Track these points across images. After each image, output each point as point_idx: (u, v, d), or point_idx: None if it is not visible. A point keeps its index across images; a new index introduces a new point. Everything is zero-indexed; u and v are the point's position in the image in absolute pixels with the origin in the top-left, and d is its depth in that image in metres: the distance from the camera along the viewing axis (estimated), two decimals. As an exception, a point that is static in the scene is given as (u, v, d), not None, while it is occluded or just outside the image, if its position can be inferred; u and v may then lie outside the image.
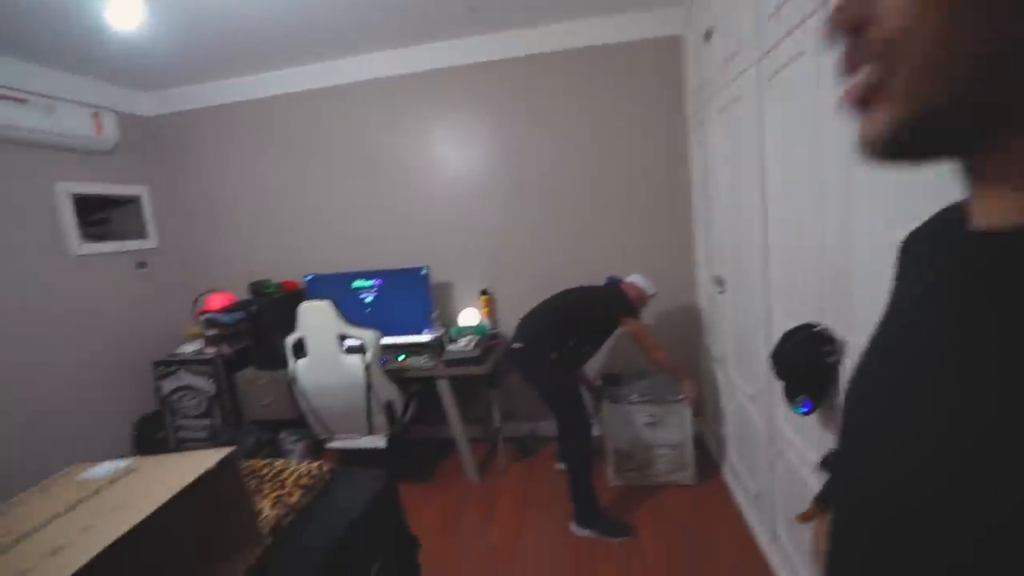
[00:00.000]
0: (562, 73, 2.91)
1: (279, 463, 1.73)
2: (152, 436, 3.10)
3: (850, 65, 0.30)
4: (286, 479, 1.61)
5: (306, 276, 3.10)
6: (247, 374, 2.94)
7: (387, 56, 3.00)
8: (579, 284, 2.58)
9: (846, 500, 0.37)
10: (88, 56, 2.64)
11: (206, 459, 1.14)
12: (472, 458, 2.79)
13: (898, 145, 0.29)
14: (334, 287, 2.95)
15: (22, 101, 2.57)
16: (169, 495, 1.03)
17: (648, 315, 2.59)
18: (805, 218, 1.39)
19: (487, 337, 2.88)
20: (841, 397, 1.21)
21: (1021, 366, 0.24)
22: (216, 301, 3.13)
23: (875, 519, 0.31)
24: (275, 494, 1.52)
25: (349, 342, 2.50)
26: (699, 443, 2.61)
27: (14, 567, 0.86)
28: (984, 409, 0.25)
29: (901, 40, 0.26)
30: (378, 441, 2.63)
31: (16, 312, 2.56)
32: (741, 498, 2.29)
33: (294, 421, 2.86)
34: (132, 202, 3.27)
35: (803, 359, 1.31)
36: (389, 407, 2.57)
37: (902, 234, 0.44)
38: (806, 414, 1.34)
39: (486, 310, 3.08)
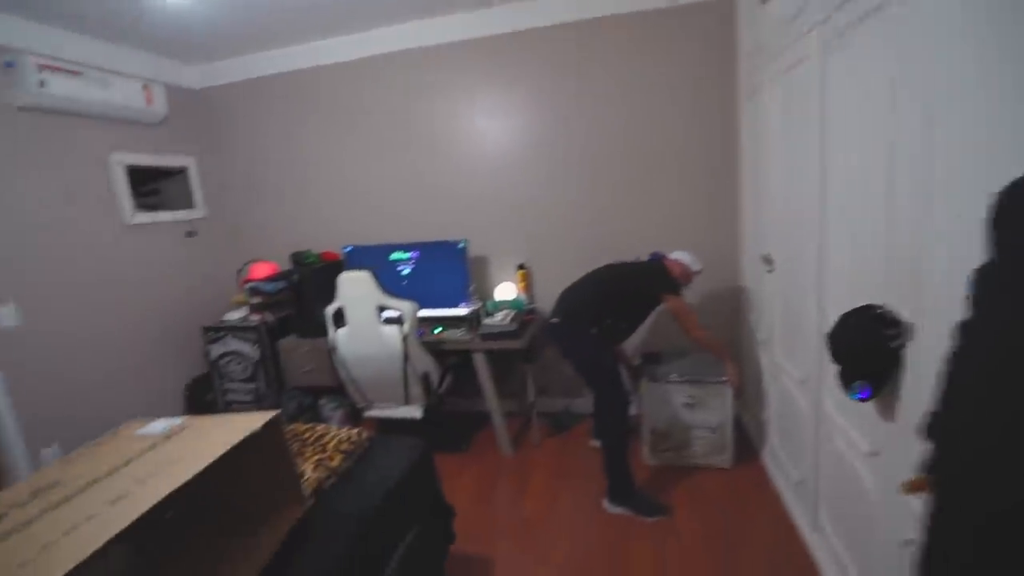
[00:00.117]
0: (605, 41, 2.79)
1: (320, 428, 1.78)
2: (202, 398, 3.26)
3: None
4: (327, 443, 1.66)
5: (345, 247, 3.14)
6: (289, 341, 3.03)
7: (428, 24, 2.94)
8: (620, 260, 2.52)
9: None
10: (138, 28, 2.69)
11: (253, 421, 1.18)
12: (506, 431, 2.81)
13: None
14: (372, 259, 2.98)
15: (78, 74, 2.65)
16: (219, 453, 1.06)
17: (689, 294, 2.50)
18: (871, 192, 1.29)
19: (524, 312, 2.86)
20: (908, 383, 1.13)
21: None
22: (260, 270, 3.22)
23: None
24: (316, 457, 1.57)
25: (387, 313, 2.52)
26: (738, 426, 2.54)
27: (82, 512, 0.91)
28: None
29: None
30: (414, 411, 2.68)
31: (78, 279, 2.70)
32: (781, 484, 2.22)
33: (334, 389, 2.94)
34: (180, 173, 3.37)
35: (864, 342, 1.23)
36: (425, 379, 2.60)
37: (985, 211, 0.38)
38: (863, 400, 1.27)
39: (523, 285, 3.06)
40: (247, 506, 1.30)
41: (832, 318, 1.35)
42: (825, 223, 1.59)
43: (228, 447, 1.08)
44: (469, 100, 3.04)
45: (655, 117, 2.82)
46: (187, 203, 3.38)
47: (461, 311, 2.92)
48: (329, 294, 2.56)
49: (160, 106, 3.11)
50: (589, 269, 2.47)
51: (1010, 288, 0.35)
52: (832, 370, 1.39)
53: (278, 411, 1.22)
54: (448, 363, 2.79)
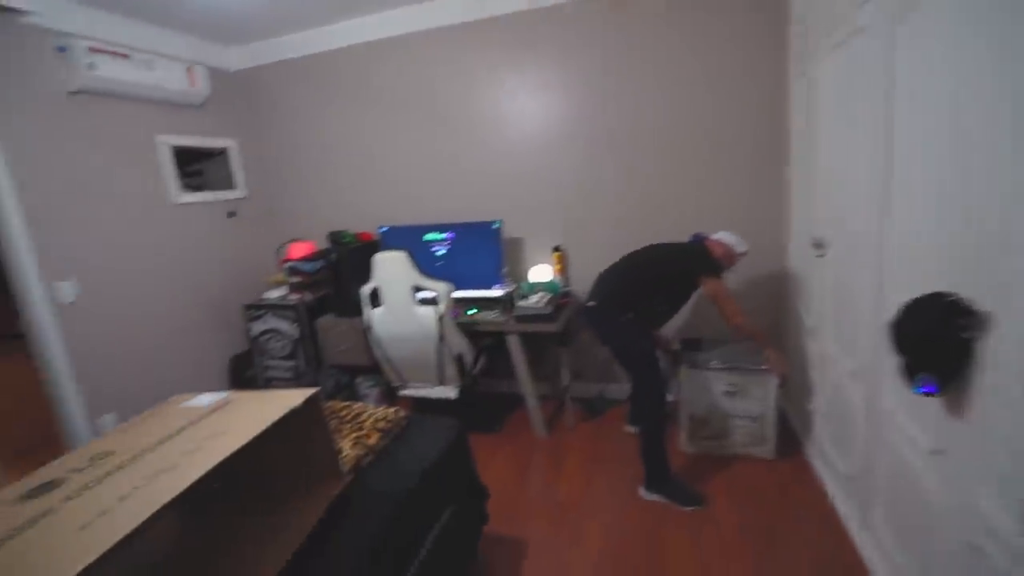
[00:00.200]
0: (644, 13, 2.66)
1: (357, 406, 1.80)
2: (243, 373, 3.37)
3: None
4: (364, 421, 1.67)
5: (380, 227, 3.15)
6: (327, 320, 3.08)
7: (463, 1, 2.87)
8: (660, 242, 2.43)
9: None
10: (180, 10, 2.73)
11: (293, 397, 1.19)
12: (540, 414, 2.80)
13: None
14: (407, 239, 2.99)
15: (125, 57, 2.72)
16: (262, 427, 1.08)
17: (730, 278, 2.40)
18: (945, 171, 1.18)
19: (559, 294, 2.82)
20: (982, 378, 1.04)
21: None
22: (298, 250, 3.28)
23: None
24: (354, 435, 1.58)
25: (422, 294, 2.53)
26: (780, 417, 2.45)
27: (133, 480, 0.94)
28: None
29: None
30: (449, 392, 2.69)
31: (130, 257, 2.81)
32: (827, 479, 2.13)
33: (370, 367, 2.98)
34: (221, 154, 3.44)
35: (932, 332, 1.14)
36: (460, 359, 2.61)
37: None
38: (927, 395, 1.18)
39: (559, 267, 3.01)
40: (286, 480, 1.33)
41: (894, 306, 1.25)
42: (888, 204, 1.48)
43: (270, 423, 1.09)
44: (505, 79, 2.97)
45: (698, 92, 2.68)
46: (228, 184, 3.46)
47: (495, 293, 2.91)
48: (365, 274, 2.58)
49: (202, 87, 3.17)
50: (627, 251, 2.40)
51: None
52: (892, 361, 1.30)
53: (317, 388, 1.23)
54: (482, 344, 2.79)
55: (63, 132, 2.54)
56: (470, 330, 2.68)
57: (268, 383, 3.33)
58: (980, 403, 1.08)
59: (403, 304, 2.53)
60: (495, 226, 2.89)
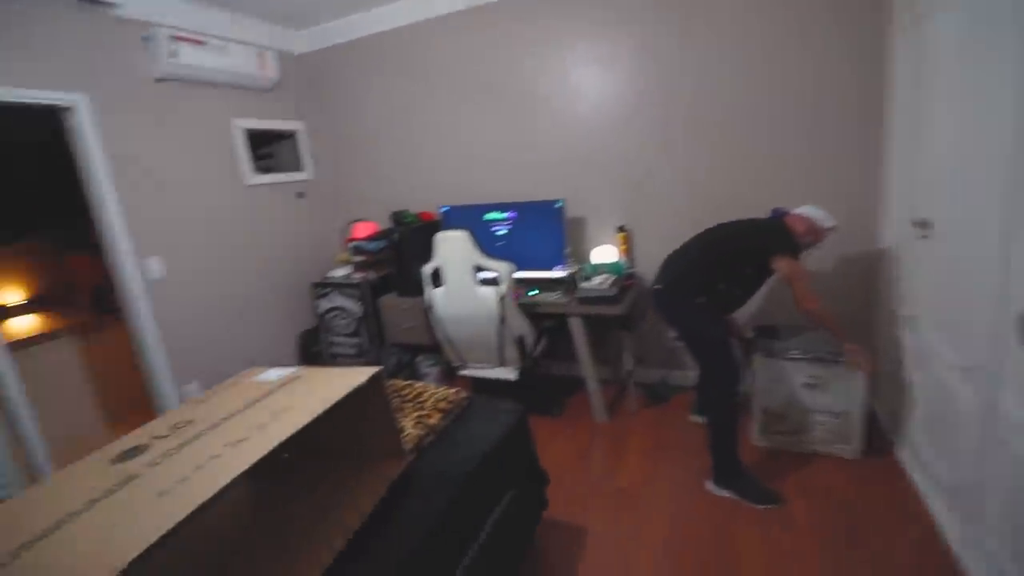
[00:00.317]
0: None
1: (418, 385, 1.80)
2: (310, 349, 3.51)
3: None
4: (425, 401, 1.67)
5: (441, 207, 3.15)
6: (389, 299, 3.14)
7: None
8: (733, 219, 2.24)
9: None
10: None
11: (359, 375, 1.19)
12: (601, 398, 2.73)
13: None
14: (468, 219, 2.96)
15: (202, 43, 2.82)
16: (328, 403, 1.08)
17: (810, 260, 2.18)
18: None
19: (623, 276, 2.70)
20: None
21: None
22: (362, 230, 3.34)
23: None
24: (416, 414, 1.58)
25: (483, 274, 2.50)
26: (868, 414, 2.24)
27: (206, 451, 0.97)
28: None
29: None
30: (509, 373, 2.67)
31: (209, 235, 2.97)
32: (925, 485, 1.92)
33: (431, 347, 3.01)
34: (290, 137, 3.55)
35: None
36: (520, 341, 2.57)
37: None
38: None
39: (623, 247, 2.89)
40: (352, 455, 1.35)
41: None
42: (1017, 179, 1.27)
43: (335, 400, 1.10)
44: (567, 54, 2.84)
45: (778, 57, 2.43)
46: (296, 166, 3.57)
47: (557, 274, 2.83)
48: (427, 253, 2.58)
49: (272, 71, 3.26)
50: (696, 231, 2.23)
51: None
52: (1020, 359, 1.12)
53: (381, 367, 1.22)
54: (543, 326, 2.74)
55: (151, 118, 2.69)
56: (531, 311, 2.63)
57: (333, 359, 3.45)
58: None
59: (464, 284, 2.52)
60: (557, 205, 2.80)
